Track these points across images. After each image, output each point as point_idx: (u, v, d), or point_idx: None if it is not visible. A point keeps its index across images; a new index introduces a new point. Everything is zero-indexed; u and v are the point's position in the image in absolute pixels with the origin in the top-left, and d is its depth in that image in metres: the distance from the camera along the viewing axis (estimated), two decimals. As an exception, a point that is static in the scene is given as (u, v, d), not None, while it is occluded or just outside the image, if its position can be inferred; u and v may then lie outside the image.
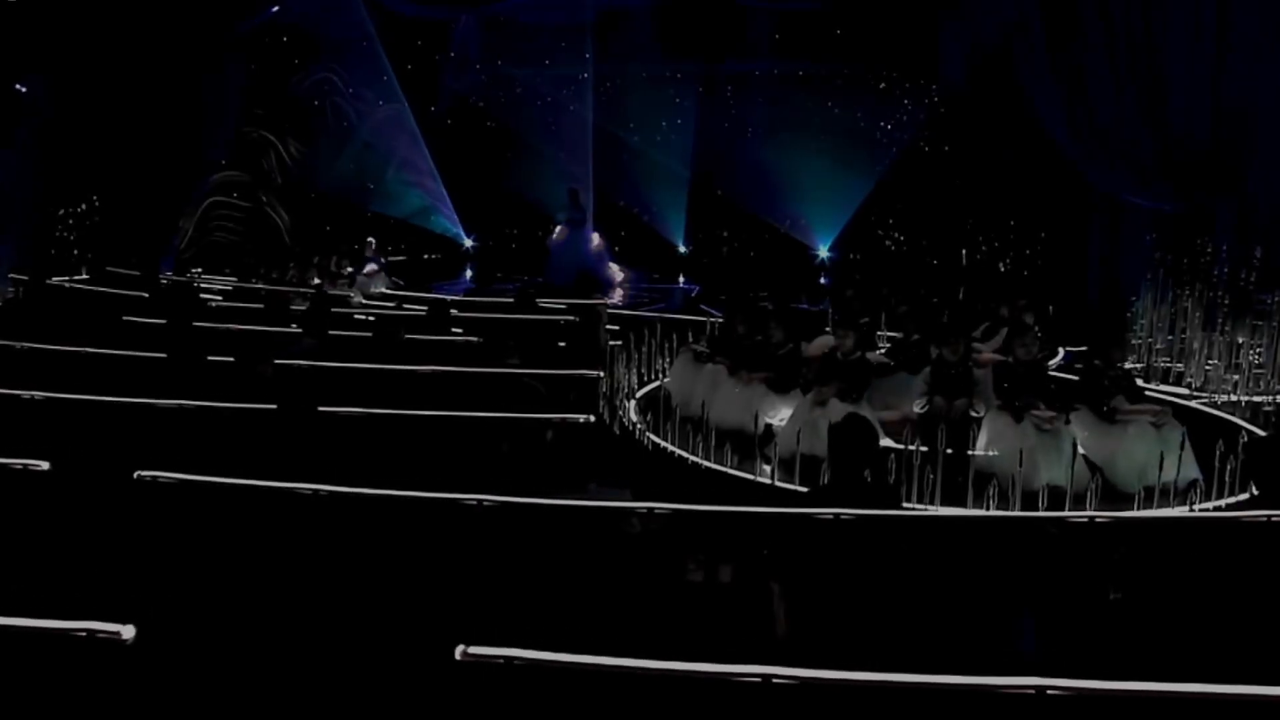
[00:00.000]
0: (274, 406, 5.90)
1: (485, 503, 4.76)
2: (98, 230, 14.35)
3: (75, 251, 14.45)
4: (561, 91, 18.17)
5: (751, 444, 7.25)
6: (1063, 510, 6.13)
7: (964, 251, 17.19)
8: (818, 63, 17.35)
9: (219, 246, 15.96)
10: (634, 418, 7.97)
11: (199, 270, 14.94)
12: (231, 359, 6.67)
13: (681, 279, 17.55)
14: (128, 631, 3.64)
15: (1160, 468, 6.20)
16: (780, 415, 7.45)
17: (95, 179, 13.99)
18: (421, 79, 18.38)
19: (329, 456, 5.63)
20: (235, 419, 5.95)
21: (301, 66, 17.05)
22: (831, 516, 4.71)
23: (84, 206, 14.43)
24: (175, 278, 12.57)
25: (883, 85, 17.39)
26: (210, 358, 6.73)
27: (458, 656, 3.51)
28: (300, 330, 8.18)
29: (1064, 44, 11.92)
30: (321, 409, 5.95)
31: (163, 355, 6.80)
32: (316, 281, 13.86)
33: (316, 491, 4.91)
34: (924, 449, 6.59)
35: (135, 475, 5.10)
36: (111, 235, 14.36)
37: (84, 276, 13.21)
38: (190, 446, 5.76)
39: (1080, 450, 6.47)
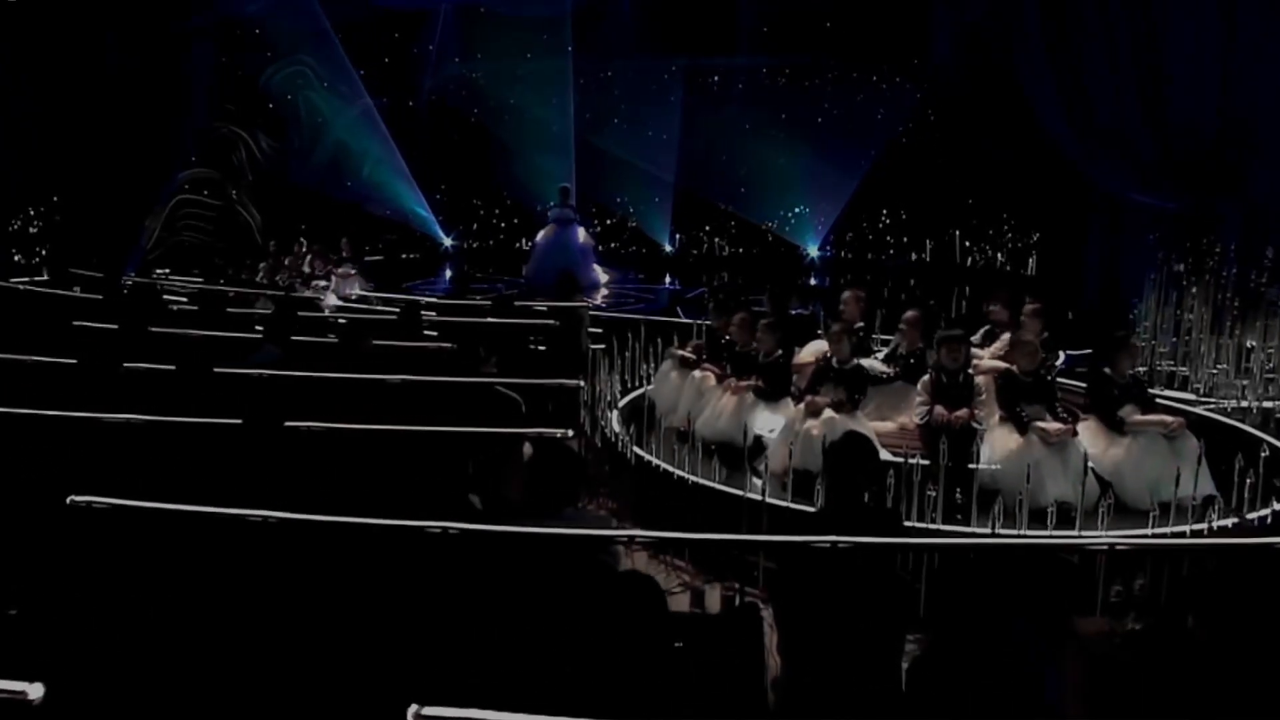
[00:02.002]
0: (230, 421, 5.46)
1: (451, 531, 4.34)
2: (60, 229, 13.81)
3: (40, 250, 13.94)
4: (543, 86, 17.71)
5: (740, 457, 6.83)
6: (1074, 530, 5.75)
7: (960, 239, 16.82)
8: (806, 56, 16.97)
9: (188, 246, 15.45)
10: (616, 429, 7.54)
11: (166, 271, 14.45)
12: (174, 366, 6.20)
13: (668, 279, 17.14)
14: (35, 691, 3.19)
15: (1177, 483, 5.82)
16: (771, 426, 7.04)
17: (56, 174, 13.44)
18: (398, 73, 17.90)
19: (287, 476, 5.20)
20: (181, 434, 5.49)
21: (273, 59, 16.53)
22: (829, 544, 4.33)
23: (55, 199, 13.90)
24: (139, 279, 12.03)
25: (874, 78, 17.01)
26: (126, 364, 6.24)
27: (410, 718, 3.10)
28: (262, 337, 7.68)
29: (1063, 38, 11.49)
30: (287, 424, 5.51)
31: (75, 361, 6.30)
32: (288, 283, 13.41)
33: (266, 519, 4.48)
34: (924, 462, 6.20)
35: (69, 500, 4.67)
36: (76, 234, 13.82)
37: (44, 278, 12.71)
38: (136, 466, 5.32)
39: (1090, 465, 6.09)
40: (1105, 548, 4.46)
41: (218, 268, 13.55)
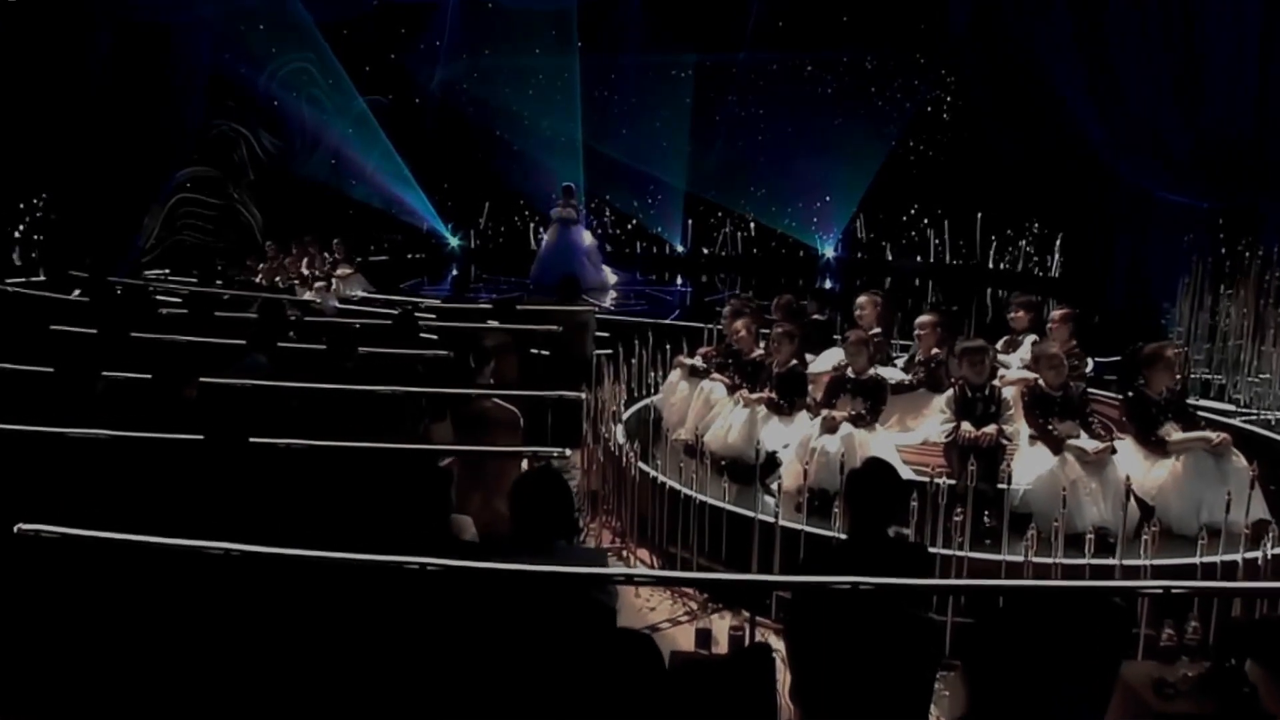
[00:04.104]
0: (198, 437, 5.05)
1: (430, 567, 3.92)
2: (55, 228, 13.44)
3: (35, 250, 13.61)
4: (550, 82, 17.33)
5: (752, 474, 6.40)
6: (1112, 557, 5.30)
7: (979, 237, 16.31)
8: (821, 51, 16.54)
9: (188, 246, 15.11)
10: (621, 442, 7.09)
11: (166, 271, 14.13)
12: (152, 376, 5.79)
13: (679, 280, 16.74)
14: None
15: (1227, 509, 5.34)
16: (785, 441, 6.59)
17: (50, 173, 13.07)
18: (404, 69, 17.53)
19: (255, 499, 4.80)
20: (147, 452, 5.08)
21: (275, 55, 16.14)
22: (850, 585, 3.89)
23: (47, 198, 13.55)
24: (130, 281, 11.65)
25: (890, 72, 16.54)
26: (105, 373, 5.82)
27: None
28: (247, 344, 7.25)
29: (1092, 26, 10.88)
30: (253, 440, 5.09)
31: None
32: (294, 281, 13.08)
33: (228, 552, 4.08)
34: (950, 482, 5.74)
35: (17, 529, 4.27)
36: (71, 234, 13.46)
37: (40, 279, 12.37)
38: (98, 488, 4.92)
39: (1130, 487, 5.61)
40: (1160, 591, 3.98)
41: (215, 269, 13.18)
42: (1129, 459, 5.99)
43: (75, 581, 4.14)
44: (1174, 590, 3.82)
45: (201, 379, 5.98)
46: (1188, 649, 4.20)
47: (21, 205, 13.37)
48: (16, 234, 13.20)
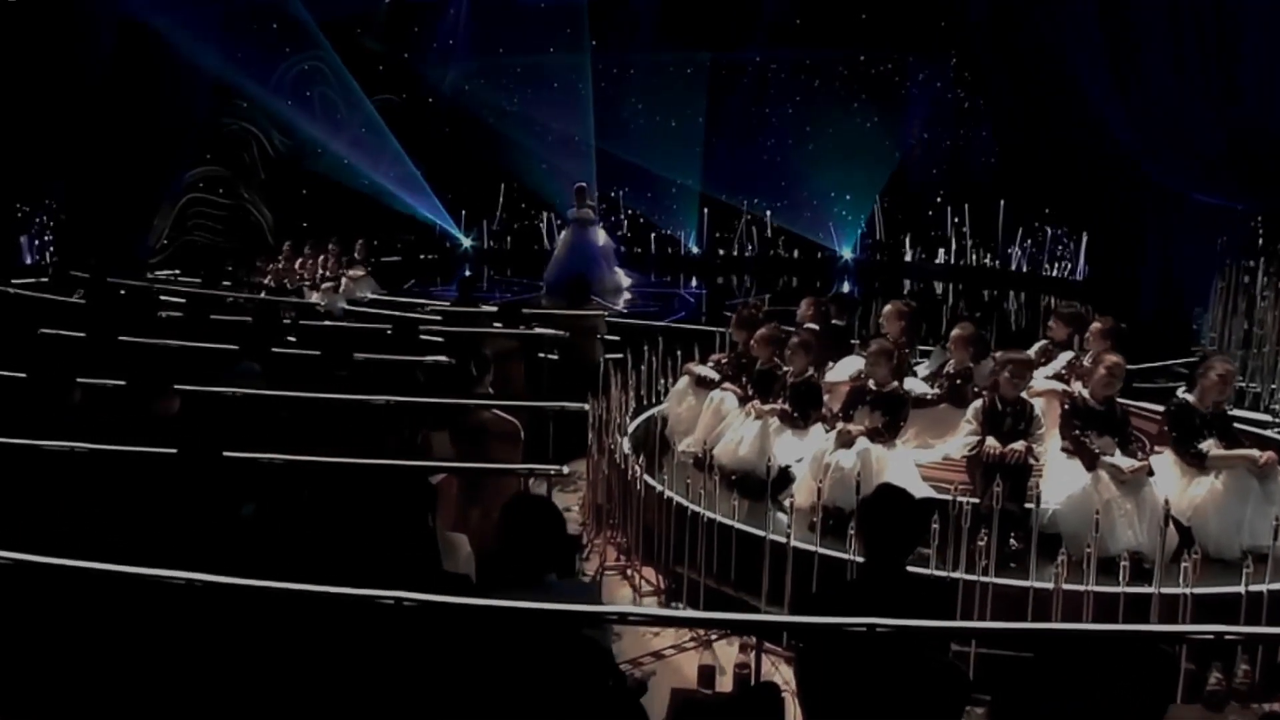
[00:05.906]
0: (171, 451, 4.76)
1: (406, 602, 3.61)
2: (62, 229, 13.26)
3: (43, 249, 13.44)
4: (561, 80, 17.07)
5: (763, 489, 6.06)
6: (1149, 585, 4.93)
7: (1001, 237, 15.90)
8: (838, 48, 16.21)
9: (198, 246, 14.93)
10: (626, 453, 6.76)
11: (177, 272, 13.95)
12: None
13: (694, 282, 16.43)
14: None
15: (1275, 534, 4.96)
16: (799, 455, 6.25)
17: (55, 172, 12.89)
18: (414, 68, 17.31)
19: (233, 519, 4.52)
20: (114, 465, 4.79)
21: (289, 54, 15.93)
22: (866, 627, 3.56)
23: (55, 199, 13.38)
24: (134, 281, 11.43)
25: (909, 68, 16.19)
26: (79, 379, 5.54)
27: None
28: (239, 349, 6.96)
29: (1120, 19, 10.41)
30: (227, 454, 4.79)
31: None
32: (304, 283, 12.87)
33: (190, 582, 3.79)
34: (974, 501, 5.39)
35: (-27, 553, 4.00)
36: (79, 234, 13.27)
37: (45, 280, 12.17)
38: (61, 503, 4.64)
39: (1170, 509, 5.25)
40: (1211, 637, 3.63)
41: (223, 270, 12.95)
42: (1165, 476, 5.61)
43: (31, 609, 3.87)
44: (1226, 636, 3.46)
45: (187, 388, 5.71)
46: (1237, 694, 3.86)
47: (29, 206, 13.21)
48: (32, 229, 13.03)
